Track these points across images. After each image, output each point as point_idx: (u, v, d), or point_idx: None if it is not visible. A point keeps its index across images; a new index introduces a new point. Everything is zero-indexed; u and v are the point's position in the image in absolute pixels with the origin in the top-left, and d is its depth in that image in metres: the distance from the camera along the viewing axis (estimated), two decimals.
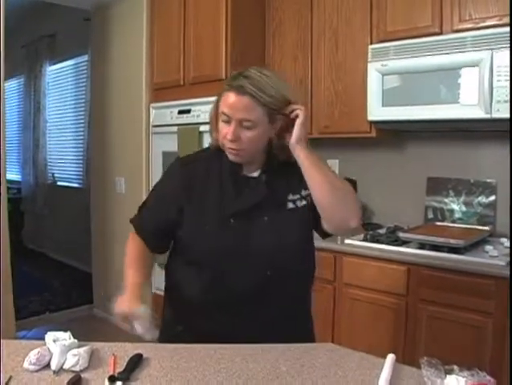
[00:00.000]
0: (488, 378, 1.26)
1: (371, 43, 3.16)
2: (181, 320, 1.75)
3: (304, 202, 1.73)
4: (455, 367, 1.30)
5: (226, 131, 1.61)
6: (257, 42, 3.77)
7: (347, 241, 3.05)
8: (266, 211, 1.69)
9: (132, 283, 1.67)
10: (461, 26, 2.79)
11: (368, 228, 3.34)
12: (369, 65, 3.11)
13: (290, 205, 1.72)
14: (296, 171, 1.68)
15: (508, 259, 2.55)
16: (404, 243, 2.93)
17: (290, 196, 1.73)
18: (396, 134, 3.44)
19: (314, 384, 1.31)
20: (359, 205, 1.73)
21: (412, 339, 2.73)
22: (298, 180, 1.71)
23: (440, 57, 2.79)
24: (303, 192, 1.73)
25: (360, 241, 3.03)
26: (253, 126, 1.60)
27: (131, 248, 1.80)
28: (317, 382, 1.32)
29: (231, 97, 1.58)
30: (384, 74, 3.04)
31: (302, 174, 1.66)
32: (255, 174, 1.74)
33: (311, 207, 1.70)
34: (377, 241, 2.99)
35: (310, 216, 1.72)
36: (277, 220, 1.70)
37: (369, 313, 2.92)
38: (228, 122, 1.61)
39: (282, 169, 1.74)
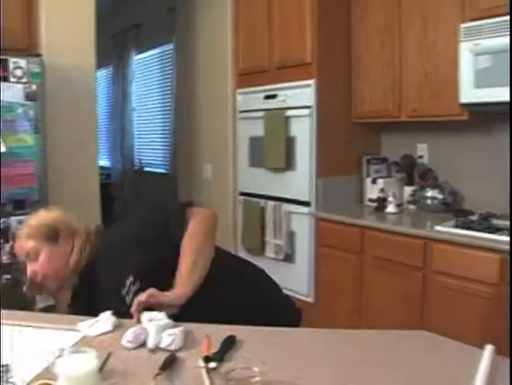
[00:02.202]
0: None
1: (463, 22, 3.02)
2: None
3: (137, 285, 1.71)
4: None
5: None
6: (343, 25, 3.71)
7: (437, 228, 2.96)
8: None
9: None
10: None
11: (459, 214, 3.23)
12: (461, 45, 2.98)
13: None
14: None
15: None
16: (497, 230, 2.81)
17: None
18: (489, 116, 3.29)
19: (409, 372, 1.28)
20: None
21: (506, 331, 2.62)
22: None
23: None
24: (131, 279, 1.71)
25: (451, 227, 2.93)
26: (36, 253, 1.81)
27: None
28: (413, 370, 1.28)
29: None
30: (476, 54, 2.91)
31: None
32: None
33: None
34: (469, 228, 2.88)
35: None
36: None
37: (460, 301, 2.83)
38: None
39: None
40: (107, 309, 1.62)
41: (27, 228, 1.83)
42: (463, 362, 1.32)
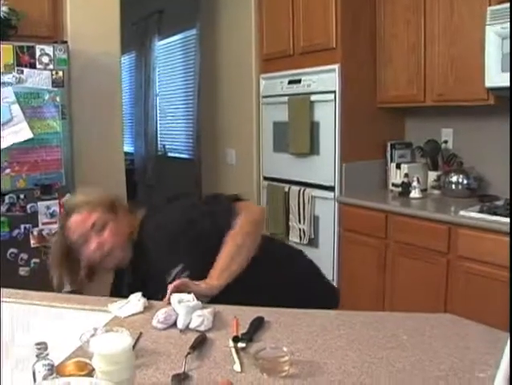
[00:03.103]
0: None
1: (490, 4, 2.98)
2: None
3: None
4: None
5: (90, 246, 1.79)
6: (367, 9, 3.67)
7: (462, 213, 2.94)
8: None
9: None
10: None
11: (485, 199, 3.21)
12: (487, 28, 2.94)
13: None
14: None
15: None
16: None
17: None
18: None
19: (435, 354, 1.29)
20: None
21: None
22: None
23: None
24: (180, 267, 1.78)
25: (476, 212, 2.92)
26: (104, 223, 1.81)
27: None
28: (439, 352, 1.29)
29: (72, 221, 1.80)
30: (503, 38, 2.87)
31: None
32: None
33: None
34: (494, 213, 2.86)
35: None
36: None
37: (485, 287, 2.82)
38: (86, 241, 1.80)
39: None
40: (146, 291, 1.66)
41: (87, 203, 1.80)
42: (489, 344, 1.33)
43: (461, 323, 1.51)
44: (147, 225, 1.87)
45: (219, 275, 1.65)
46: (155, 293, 1.66)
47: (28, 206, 3.17)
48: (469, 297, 2.88)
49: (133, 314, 1.54)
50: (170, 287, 1.57)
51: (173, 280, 1.66)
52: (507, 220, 2.76)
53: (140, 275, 1.82)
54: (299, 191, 3.85)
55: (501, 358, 1.22)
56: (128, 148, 7.68)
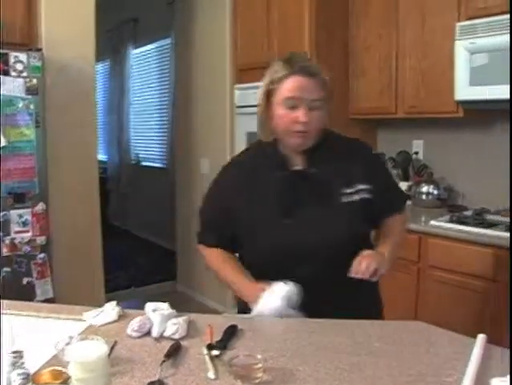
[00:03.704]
0: None
1: (459, 21, 3.06)
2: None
3: (361, 196, 1.72)
4: None
5: (296, 115, 1.62)
6: (341, 21, 3.73)
7: (432, 222, 3.01)
8: (319, 206, 1.70)
9: (251, 281, 1.70)
10: None
11: (454, 210, 3.28)
12: (457, 43, 3.02)
13: (344, 199, 1.71)
14: (346, 163, 1.72)
15: None
16: (491, 225, 2.87)
17: (345, 190, 1.71)
18: (484, 114, 3.33)
19: (405, 360, 1.32)
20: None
21: (499, 324, 2.67)
22: (351, 173, 1.73)
23: None
24: (360, 186, 1.72)
25: (446, 222, 2.99)
26: (321, 106, 1.64)
27: (215, 253, 1.85)
28: (408, 358, 1.33)
29: (298, 80, 1.61)
30: (472, 53, 2.95)
31: (355, 166, 1.73)
32: (301, 167, 1.74)
33: (369, 202, 1.72)
34: (463, 223, 2.94)
35: (367, 210, 1.73)
36: (330, 216, 1.70)
37: (455, 295, 2.88)
38: (295, 107, 1.62)
39: (329, 161, 1.74)
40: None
41: (324, 75, 1.66)
42: (457, 350, 1.37)
43: (430, 330, 1.55)
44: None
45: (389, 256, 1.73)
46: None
47: (1, 214, 3.15)
48: (439, 305, 2.94)
49: (108, 323, 1.54)
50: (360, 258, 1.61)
51: (352, 194, 1.71)
52: (475, 229, 2.84)
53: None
54: None
55: (468, 364, 1.27)
56: (101, 157, 7.65)
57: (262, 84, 1.71)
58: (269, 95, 1.67)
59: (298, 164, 1.75)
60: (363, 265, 1.59)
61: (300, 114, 1.61)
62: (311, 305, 1.57)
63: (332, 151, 1.76)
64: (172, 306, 1.56)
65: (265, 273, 1.65)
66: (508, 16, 2.78)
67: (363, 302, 1.78)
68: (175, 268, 5.22)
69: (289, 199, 1.70)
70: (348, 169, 1.74)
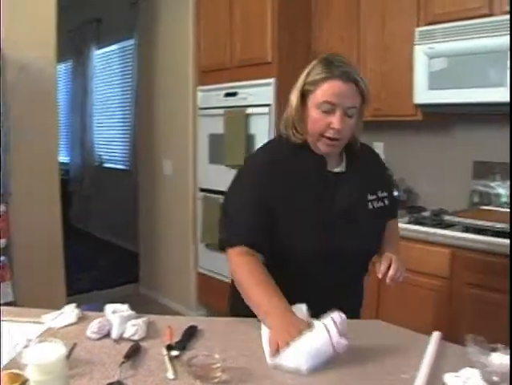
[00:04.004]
0: None
1: (418, 26, 3.13)
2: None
3: (380, 204, 1.75)
4: (499, 345, 1.33)
5: (331, 120, 1.58)
6: (304, 24, 3.77)
7: None
8: (354, 212, 1.69)
9: (285, 310, 1.45)
10: None
11: (413, 211, 3.35)
12: (416, 47, 3.09)
13: (370, 206, 1.73)
14: (371, 169, 1.76)
15: None
16: (448, 226, 2.93)
17: (369, 196, 1.74)
18: (443, 117, 3.41)
19: (364, 357, 1.36)
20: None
21: (456, 322, 2.74)
22: (375, 180, 1.77)
23: (489, 39, 2.75)
24: (380, 194, 1.76)
25: (405, 223, 3.04)
26: (355, 113, 1.61)
27: (249, 269, 1.58)
28: (367, 356, 1.36)
29: (337, 85, 1.56)
30: (430, 57, 3.02)
31: (377, 173, 1.80)
32: (338, 169, 1.73)
33: (386, 210, 1.77)
34: (421, 224, 3.00)
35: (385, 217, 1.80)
36: (365, 222, 1.70)
37: (414, 295, 2.94)
38: (330, 111, 1.58)
39: (360, 166, 1.76)
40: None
41: (363, 84, 1.60)
42: (414, 347, 1.42)
43: (388, 329, 1.59)
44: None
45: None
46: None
47: None
48: (399, 305, 2.99)
49: (67, 325, 1.53)
50: (388, 261, 1.66)
51: (375, 201, 1.75)
52: (433, 230, 2.91)
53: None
54: None
55: (423, 360, 1.30)
56: (64, 158, 7.57)
57: (298, 83, 1.69)
58: (304, 95, 1.65)
59: (331, 166, 1.72)
60: (396, 271, 1.65)
61: (335, 120, 1.58)
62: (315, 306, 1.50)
63: (359, 156, 1.77)
64: (135, 309, 1.56)
65: (297, 277, 1.62)
66: (460, 22, 2.88)
67: (353, 303, 1.85)
68: (138, 270, 5.19)
69: (328, 201, 1.67)
70: (372, 175, 1.78)
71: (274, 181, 1.65)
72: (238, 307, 1.63)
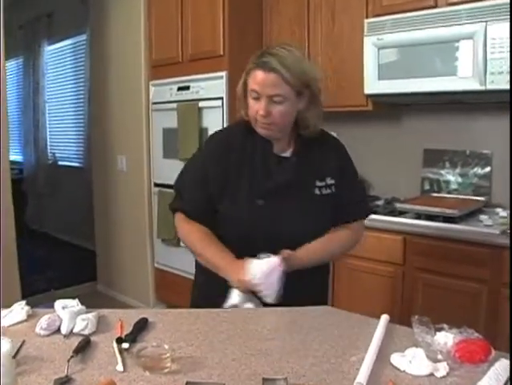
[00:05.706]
0: (476, 334, 1.32)
1: (367, 17, 3.18)
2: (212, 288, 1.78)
3: (328, 191, 1.80)
4: (445, 326, 1.37)
5: (258, 107, 1.68)
6: (255, 18, 3.78)
7: None
8: (293, 194, 1.76)
9: (232, 259, 1.70)
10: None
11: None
12: (365, 39, 3.13)
13: (317, 191, 1.78)
14: (325, 156, 1.80)
15: (503, 228, 2.61)
16: (400, 213, 3.00)
17: (317, 183, 1.79)
18: (393, 107, 3.48)
19: (310, 342, 1.38)
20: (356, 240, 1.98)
21: (408, 307, 2.81)
22: (325, 167, 1.80)
23: (436, 30, 2.82)
24: (329, 181, 1.80)
25: None
26: (283, 100, 1.66)
27: (195, 231, 1.82)
28: (314, 341, 1.38)
29: (259, 74, 1.65)
30: (379, 48, 3.07)
31: (329, 161, 1.81)
32: (286, 154, 1.81)
33: (334, 197, 1.80)
34: (374, 212, 3.04)
35: (331, 205, 1.82)
36: (304, 206, 1.77)
37: (367, 282, 3.00)
38: (258, 98, 1.68)
39: (311, 153, 1.81)
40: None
41: (289, 72, 1.63)
42: (362, 331, 1.44)
43: (337, 314, 1.62)
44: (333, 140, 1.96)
45: (308, 256, 1.75)
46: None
47: None
48: (353, 293, 3.05)
49: (16, 323, 1.51)
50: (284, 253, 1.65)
51: (324, 187, 1.79)
52: (386, 218, 2.97)
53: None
54: None
55: (371, 343, 1.33)
56: (16, 157, 7.43)
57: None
58: (245, 84, 1.75)
59: (278, 150, 1.80)
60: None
61: (259, 106, 1.67)
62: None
63: (313, 143, 1.82)
64: (93, 307, 1.55)
65: (235, 250, 1.73)
66: (407, 14, 2.94)
67: (312, 289, 1.87)
68: (95, 268, 5.14)
69: (265, 181, 1.75)
70: (323, 163, 1.81)
71: (221, 159, 1.78)
72: (198, 300, 1.84)
